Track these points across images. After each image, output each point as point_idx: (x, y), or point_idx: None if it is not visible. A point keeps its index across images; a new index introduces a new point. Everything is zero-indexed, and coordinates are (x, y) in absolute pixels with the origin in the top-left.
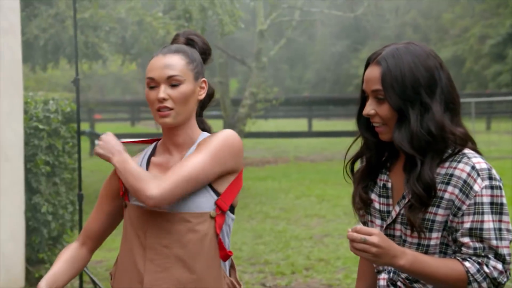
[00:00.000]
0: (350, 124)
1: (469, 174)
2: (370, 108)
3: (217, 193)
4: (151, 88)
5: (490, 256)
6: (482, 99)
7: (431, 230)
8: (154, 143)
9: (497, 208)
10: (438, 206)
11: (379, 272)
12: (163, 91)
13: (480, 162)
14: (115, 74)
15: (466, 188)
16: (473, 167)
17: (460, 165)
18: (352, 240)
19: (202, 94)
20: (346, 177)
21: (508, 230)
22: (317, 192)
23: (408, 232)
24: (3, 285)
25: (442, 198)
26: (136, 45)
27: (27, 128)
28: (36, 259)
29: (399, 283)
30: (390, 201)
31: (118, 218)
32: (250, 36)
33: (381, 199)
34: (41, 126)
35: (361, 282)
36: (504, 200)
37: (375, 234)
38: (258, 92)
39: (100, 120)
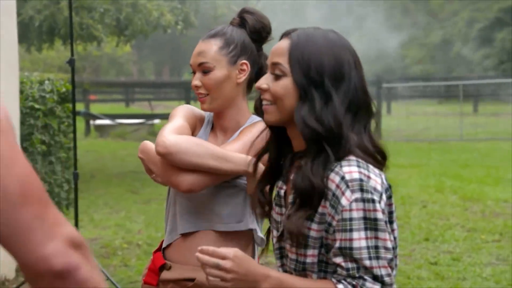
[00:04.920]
0: None
1: (337, 186)
2: (263, 82)
3: None
4: (192, 73)
5: (366, 277)
6: (470, 81)
7: (306, 246)
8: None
9: (371, 224)
10: (312, 220)
11: None
12: (196, 78)
13: (351, 172)
14: (109, 55)
15: (335, 201)
16: (342, 178)
17: (331, 175)
18: (204, 265)
19: (242, 77)
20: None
21: (386, 248)
22: None
23: (288, 246)
24: (2, 262)
25: (315, 211)
26: (130, 26)
27: (23, 108)
28: None
29: None
30: (284, 210)
31: None
32: None
33: (277, 208)
34: (36, 106)
35: None
36: (379, 215)
37: (228, 258)
38: None
39: (95, 101)
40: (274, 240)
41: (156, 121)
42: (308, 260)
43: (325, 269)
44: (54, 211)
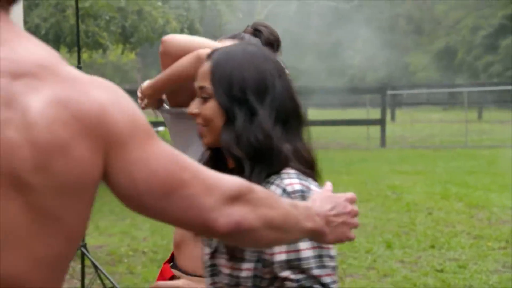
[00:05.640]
0: (345, 113)
1: None
2: (194, 107)
3: None
4: None
5: (315, 286)
6: (474, 88)
7: (242, 260)
8: None
9: None
10: None
11: None
12: None
13: (292, 184)
14: (114, 63)
15: None
16: (284, 190)
17: (272, 188)
18: None
19: None
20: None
21: (330, 257)
22: None
23: (223, 261)
24: None
25: None
26: (136, 34)
27: None
28: None
29: None
30: None
31: None
32: None
33: None
34: None
35: None
36: None
37: (179, 287)
38: None
39: None
40: (207, 257)
41: (161, 128)
42: (243, 274)
43: (259, 284)
44: (197, 181)
